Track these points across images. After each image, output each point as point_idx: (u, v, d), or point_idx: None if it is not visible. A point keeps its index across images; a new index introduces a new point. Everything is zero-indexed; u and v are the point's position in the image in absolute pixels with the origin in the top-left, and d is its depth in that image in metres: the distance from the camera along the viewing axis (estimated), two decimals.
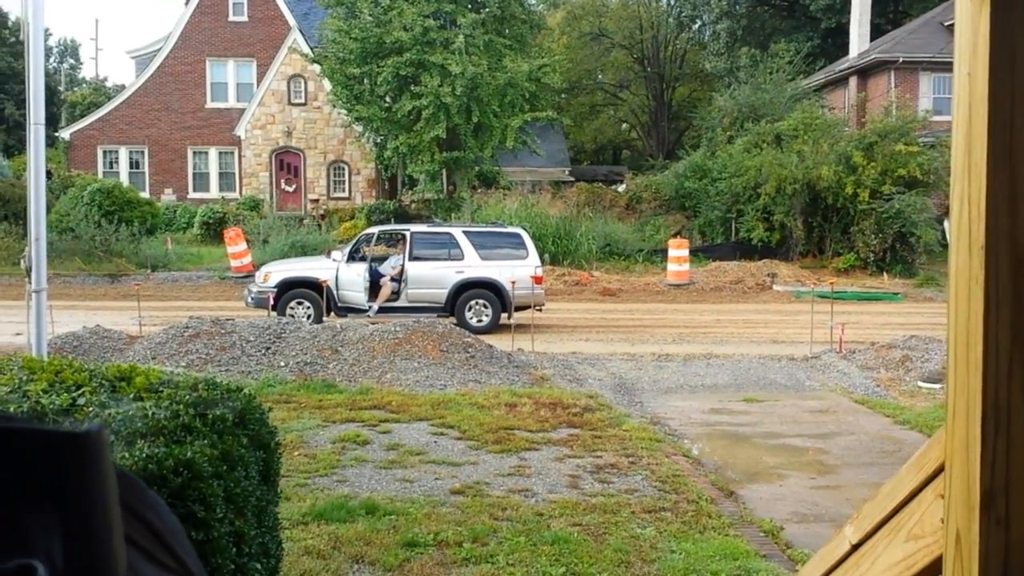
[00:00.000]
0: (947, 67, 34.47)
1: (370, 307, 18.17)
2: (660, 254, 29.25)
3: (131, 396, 4.01)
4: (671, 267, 27.11)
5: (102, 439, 0.62)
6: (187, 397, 3.94)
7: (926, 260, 29.24)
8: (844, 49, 43.36)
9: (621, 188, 39.47)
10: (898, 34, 40.76)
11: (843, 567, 1.70)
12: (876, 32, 43.42)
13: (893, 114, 31.66)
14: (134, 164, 41.21)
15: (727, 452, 9.98)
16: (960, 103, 1.30)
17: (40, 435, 0.60)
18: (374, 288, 18.50)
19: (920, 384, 13.46)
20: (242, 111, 40.49)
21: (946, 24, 37.40)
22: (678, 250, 27.23)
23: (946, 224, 25.42)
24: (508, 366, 13.37)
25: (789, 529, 7.56)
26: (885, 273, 28.73)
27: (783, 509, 8.08)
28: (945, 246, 28.22)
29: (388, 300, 18.41)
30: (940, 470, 1.39)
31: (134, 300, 19.97)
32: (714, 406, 12.17)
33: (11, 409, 3.43)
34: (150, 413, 3.64)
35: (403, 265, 18.51)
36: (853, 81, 39.76)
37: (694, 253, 29.44)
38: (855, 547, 1.66)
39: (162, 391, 4.06)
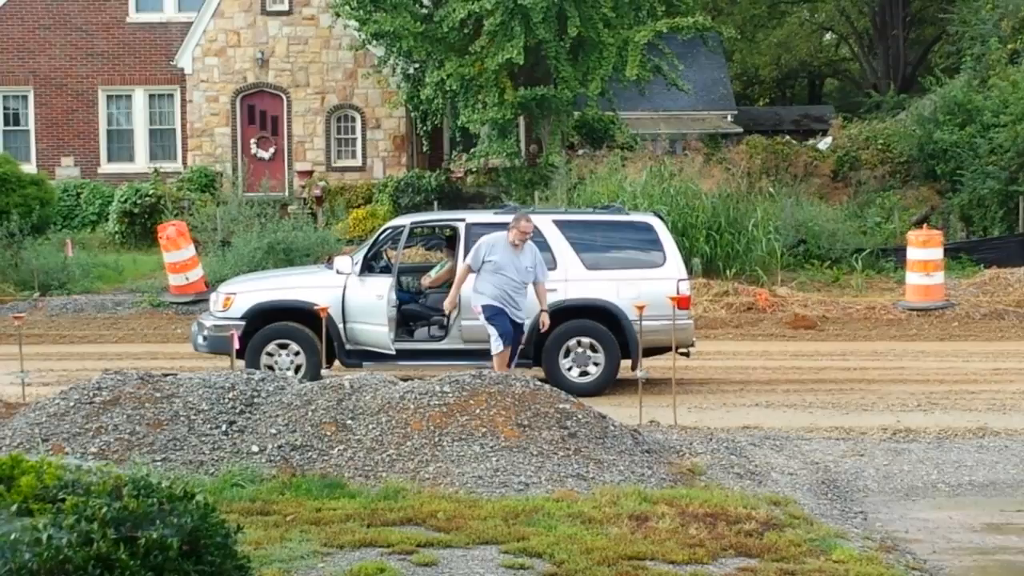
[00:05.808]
0: None
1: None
2: (893, 255, 26.55)
3: (12, 509, 4.12)
4: (913, 278, 24.13)
5: None
6: (104, 510, 4.09)
7: None
8: None
9: (824, 144, 36.31)
10: None
11: None
12: None
13: None
14: (11, 118, 35.54)
15: None
16: None
17: None
18: (406, 319, 17.12)
19: None
20: (187, 27, 35.96)
21: None
22: (924, 249, 24.14)
23: None
24: (633, 451, 12.55)
25: None
26: None
27: None
28: None
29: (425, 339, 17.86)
30: None
31: (12, 344, 18.90)
32: (993, 519, 11.09)
33: None
34: (44, 538, 3.83)
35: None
36: None
37: (953, 254, 26.30)
38: None
39: (64, 499, 4.20)
